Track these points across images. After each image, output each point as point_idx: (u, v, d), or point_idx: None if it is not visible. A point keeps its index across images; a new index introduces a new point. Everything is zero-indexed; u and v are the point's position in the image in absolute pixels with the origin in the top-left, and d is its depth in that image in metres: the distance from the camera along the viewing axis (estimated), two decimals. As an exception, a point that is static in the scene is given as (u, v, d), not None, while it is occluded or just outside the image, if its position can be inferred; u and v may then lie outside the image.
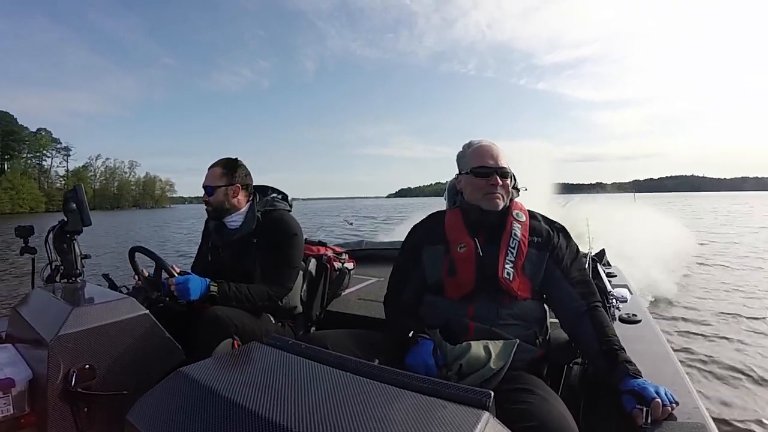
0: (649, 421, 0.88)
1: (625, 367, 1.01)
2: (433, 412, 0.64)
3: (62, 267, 1.63)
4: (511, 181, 1.31)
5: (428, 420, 0.62)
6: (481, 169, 1.28)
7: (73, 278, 1.61)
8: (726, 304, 5.24)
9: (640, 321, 1.52)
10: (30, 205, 64.46)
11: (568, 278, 1.23)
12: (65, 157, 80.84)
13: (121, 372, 1.21)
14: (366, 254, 3.88)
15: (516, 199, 1.35)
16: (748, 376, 3.14)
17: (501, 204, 1.28)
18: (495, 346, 1.10)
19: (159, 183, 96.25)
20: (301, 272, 1.84)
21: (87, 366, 1.15)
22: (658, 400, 0.90)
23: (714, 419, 0.92)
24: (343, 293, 2.23)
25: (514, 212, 1.30)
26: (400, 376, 0.76)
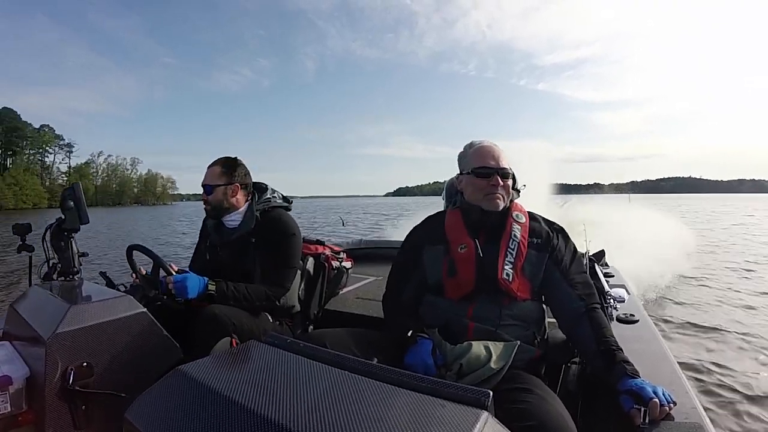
0: (646, 420, 0.88)
1: (623, 367, 1.02)
2: (431, 411, 0.64)
3: (59, 265, 1.62)
4: (511, 182, 1.32)
5: (427, 419, 0.62)
6: (482, 170, 1.28)
7: (71, 276, 1.60)
8: (724, 302, 5.27)
9: (637, 321, 1.53)
10: (33, 201, 64.64)
11: (567, 279, 1.24)
12: (68, 154, 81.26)
13: (118, 370, 1.21)
14: (364, 253, 3.88)
15: (515, 200, 1.35)
16: (745, 375, 3.15)
17: (501, 204, 1.28)
18: (496, 347, 1.10)
19: (161, 180, 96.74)
20: (299, 271, 1.84)
21: (85, 364, 1.15)
22: (656, 399, 0.90)
23: (711, 419, 0.92)
24: (341, 292, 2.23)
25: (514, 213, 1.30)
26: (398, 375, 0.76)
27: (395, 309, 1.37)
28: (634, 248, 6.28)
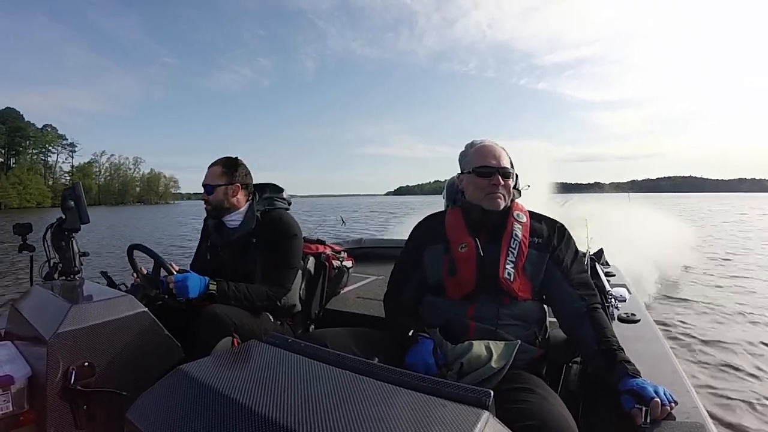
0: (648, 420, 0.88)
1: (624, 367, 1.02)
2: (432, 410, 0.64)
3: (60, 264, 1.63)
4: (512, 181, 1.31)
5: (428, 419, 0.62)
6: (483, 169, 1.28)
7: (72, 276, 1.61)
8: (725, 302, 5.26)
9: (638, 320, 1.52)
10: (36, 200, 65.09)
11: (568, 279, 1.24)
12: (71, 153, 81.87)
13: (120, 369, 1.21)
14: (364, 252, 3.87)
15: (516, 199, 1.35)
16: (747, 375, 3.15)
17: (502, 204, 1.28)
18: (497, 347, 1.10)
19: (163, 179, 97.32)
20: (299, 271, 1.84)
21: (86, 363, 1.15)
22: (657, 399, 0.90)
23: (713, 418, 0.92)
24: (341, 291, 2.23)
25: (515, 213, 1.30)
26: (399, 374, 0.76)
27: (396, 308, 1.37)
28: (635, 247, 6.28)
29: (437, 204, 1.63)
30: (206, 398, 0.73)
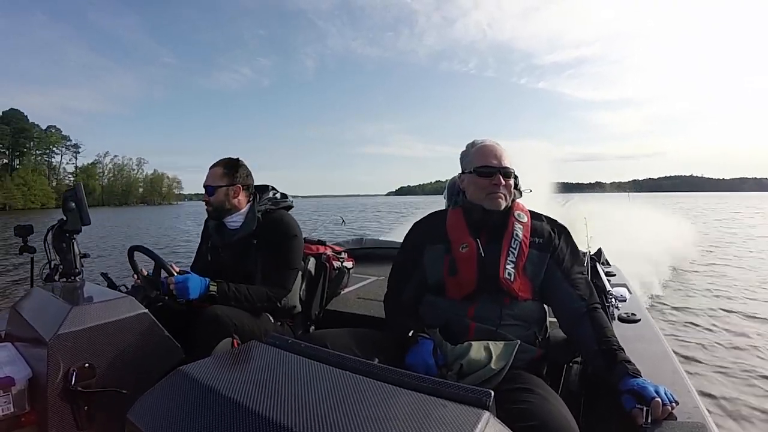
0: (649, 420, 0.88)
1: (625, 367, 1.02)
2: (433, 411, 0.64)
3: (61, 266, 1.63)
4: (513, 181, 1.31)
5: (428, 419, 0.62)
6: (484, 169, 1.28)
7: (72, 277, 1.61)
8: (725, 302, 5.26)
9: (639, 320, 1.52)
10: (41, 201, 65.25)
11: (568, 279, 1.23)
12: (74, 154, 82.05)
13: (120, 371, 1.21)
14: (365, 253, 3.87)
15: (517, 199, 1.35)
16: (748, 374, 3.14)
17: (503, 204, 1.28)
18: (496, 347, 1.10)
19: (166, 180, 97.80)
20: (300, 271, 1.84)
21: (87, 365, 1.15)
22: (658, 399, 0.90)
23: (714, 419, 0.92)
24: (342, 292, 2.23)
25: (516, 213, 1.30)
26: (400, 375, 0.76)
27: (396, 309, 1.37)
28: (636, 246, 6.28)
29: (440, 204, 1.63)
30: (206, 399, 0.73)
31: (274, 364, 0.85)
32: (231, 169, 1.76)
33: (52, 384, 1.10)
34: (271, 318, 1.71)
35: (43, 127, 76.04)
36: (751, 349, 3.67)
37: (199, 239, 1.98)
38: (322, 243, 2.11)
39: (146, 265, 1.68)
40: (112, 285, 1.67)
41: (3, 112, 69.85)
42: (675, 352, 1.29)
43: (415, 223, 1.45)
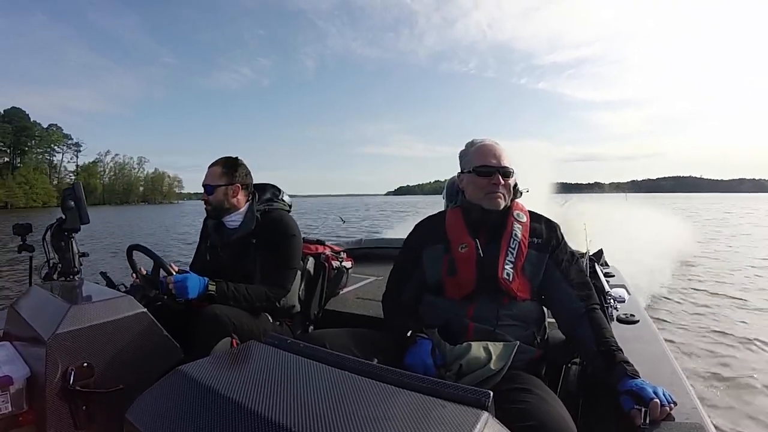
0: (647, 421, 0.88)
1: (623, 368, 1.02)
2: (432, 411, 0.64)
3: (60, 265, 1.63)
4: (513, 181, 1.31)
5: (427, 419, 0.62)
6: (483, 168, 1.28)
7: (71, 276, 1.61)
8: (724, 302, 5.27)
9: (638, 321, 1.52)
10: (43, 199, 65.26)
11: (567, 280, 1.23)
12: (76, 153, 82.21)
13: (119, 370, 1.21)
14: (364, 253, 3.87)
15: (517, 200, 1.35)
16: (746, 375, 3.15)
17: (502, 203, 1.28)
18: (495, 347, 1.10)
19: (167, 179, 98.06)
20: (299, 271, 1.84)
21: (85, 364, 1.15)
22: (657, 400, 0.90)
23: (712, 420, 0.92)
24: (341, 292, 2.23)
25: (515, 213, 1.30)
26: (399, 375, 0.76)
27: (395, 309, 1.37)
28: (635, 247, 6.29)
29: (440, 204, 1.63)
30: (205, 399, 0.73)
31: (273, 364, 0.85)
32: (230, 168, 1.75)
33: (51, 383, 1.10)
34: (270, 318, 1.71)
35: (45, 126, 76.19)
36: (751, 349, 3.68)
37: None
38: (321, 243, 2.11)
39: (145, 265, 1.68)
40: (110, 284, 1.67)
41: (5, 111, 70.16)
42: (673, 353, 1.29)
43: (417, 224, 1.45)
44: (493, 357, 1.07)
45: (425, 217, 1.46)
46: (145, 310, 1.30)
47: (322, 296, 2.03)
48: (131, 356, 1.24)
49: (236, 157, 1.81)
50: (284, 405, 0.67)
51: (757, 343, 3.80)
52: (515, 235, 1.25)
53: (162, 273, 1.56)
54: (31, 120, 73.49)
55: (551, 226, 1.32)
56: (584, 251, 2.21)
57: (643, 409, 0.90)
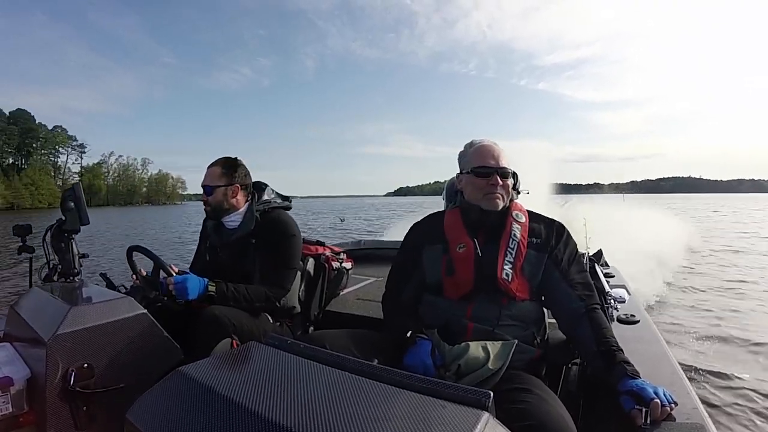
0: (648, 421, 0.88)
1: (623, 368, 1.02)
2: (432, 412, 0.64)
3: (60, 266, 1.62)
4: (511, 181, 1.31)
5: (428, 420, 0.62)
6: (481, 169, 1.28)
7: (71, 277, 1.60)
8: (724, 302, 5.27)
9: (638, 321, 1.52)
10: (48, 200, 65.58)
11: (566, 280, 1.23)
12: (80, 154, 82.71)
13: (119, 371, 1.21)
14: (364, 254, 3.87)
15: (516, 200, 1.35)
16: (747, 375, 3.14)
17: (501, 204, 1.28)
18: (494, 347, 1.10)
19: (171, 180, 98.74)
20: (299, 272, 1.84)
21: (85, 365, 1.15)
22: (657, 400, 0.90)
23: (713, 419, 0.92)
24: (341, 293, 2.23)
25: (514, 213, 1.30)
26: (399, 375, 0.76)
27: (394, 309, 1.37)
28: (635, 247, 6.28)
29: (440, 204, 1.63)
30: (205, 399, 0.73)
31: (273, 365, 0.85)
32: (229, 168, 1.75)
33: (51, 384, 1.10)
34: (270, 318, 1.71)
35: (49, 127, 76.57)
36: (751, 349, 3.68)
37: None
38: (321, 243, 2.10)
39: (145, 266, 1.68)
40: (111, 285, 1.67)
41: (10, 113, 70.52)
42: (673, 353, 1.29)
43: (415, 224, 1.45)
44: (492, 356, 1.07)
45: (423, 217, 1.46)
46: (145, 311, 1.30)
47: (322, 297, 2.03)
48: (131, 357, 1.24)
49: (235, 158, 1.81)
50: (284, 405, 0.67)
51: (759, 343, 3.80)
52: (514, 235, 1.25)
53: (162, 274, 1.56)
54: (36, 122, 73.91)
55: (554, 227, 1.32)
56: (584, 251, 2.21)
57: (644, 410, 0.90)
